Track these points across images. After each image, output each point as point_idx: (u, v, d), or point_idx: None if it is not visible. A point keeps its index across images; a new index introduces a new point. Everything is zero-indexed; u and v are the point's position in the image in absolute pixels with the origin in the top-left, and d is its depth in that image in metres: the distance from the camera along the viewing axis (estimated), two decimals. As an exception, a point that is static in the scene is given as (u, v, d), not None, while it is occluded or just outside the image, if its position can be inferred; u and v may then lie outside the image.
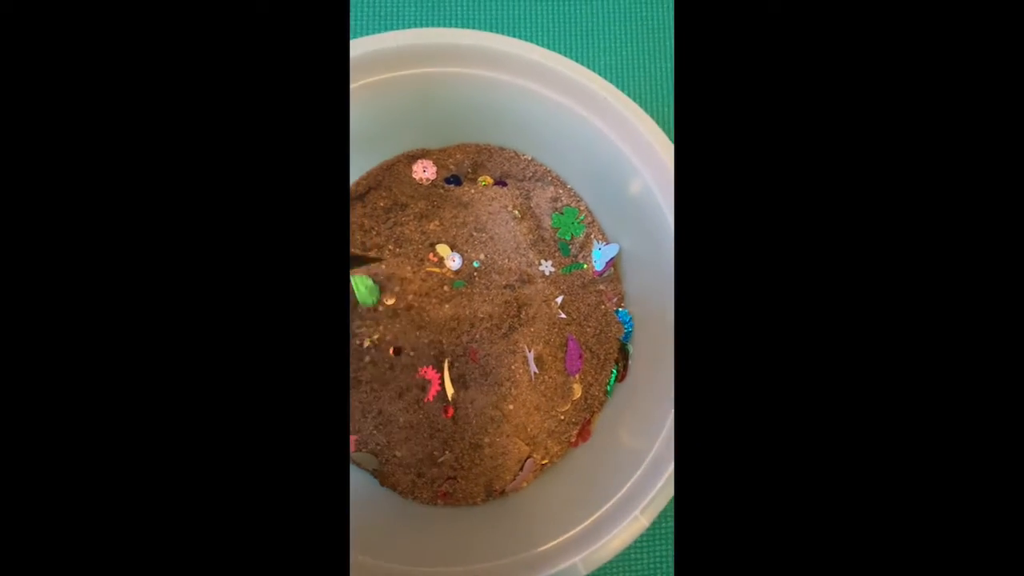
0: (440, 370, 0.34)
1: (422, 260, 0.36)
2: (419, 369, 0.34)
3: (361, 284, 0.34)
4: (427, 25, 0.43)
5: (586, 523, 0.28)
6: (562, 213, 0.38)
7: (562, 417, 0.36)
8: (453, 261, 0.36)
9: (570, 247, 0.38)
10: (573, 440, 0.36)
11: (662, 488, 0.27)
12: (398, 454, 0.34)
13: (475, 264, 0.36)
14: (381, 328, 0.35)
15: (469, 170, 0.38)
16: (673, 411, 0.29)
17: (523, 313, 0.35)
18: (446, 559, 0.28)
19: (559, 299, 0.36)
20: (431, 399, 0.34)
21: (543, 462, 0.35)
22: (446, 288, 0.36)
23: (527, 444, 0.35)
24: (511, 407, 0.35)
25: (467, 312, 0.35)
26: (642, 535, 0.34)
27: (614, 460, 0.32)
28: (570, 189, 0.38)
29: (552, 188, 0.38)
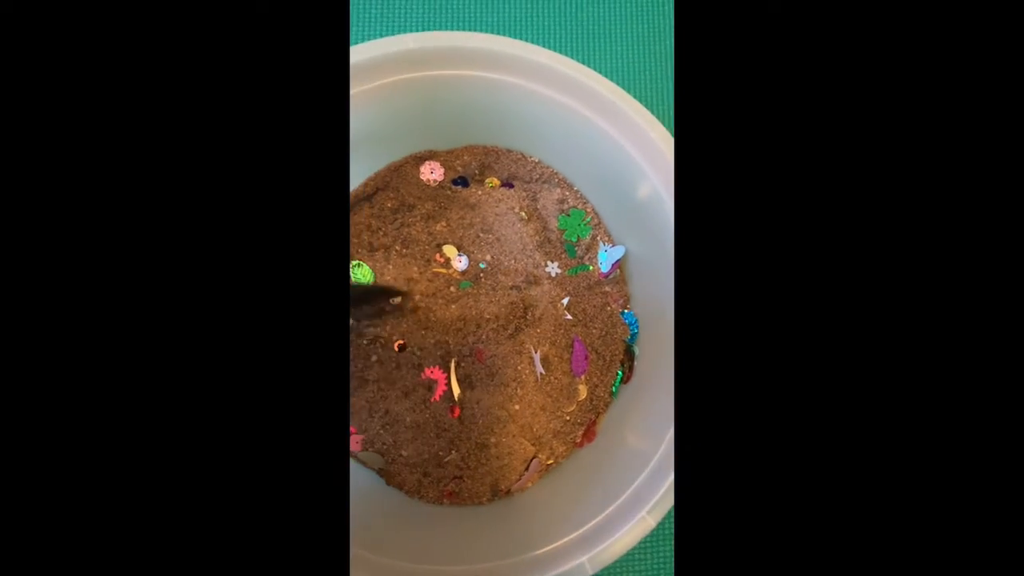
0: (447, 370, 0.35)
1: (429, 261, 0.36)
2: (425, 369, 0.34)
3: (359, 271, 0.35)
4: (434, 28, 0.43)
5: (592, 523, 0.28)
6: (568, 215, 0.38)
7: (567, 418, 0.36)
8: (460, 262, 0.36)
9: (576, 249, 0.38)
10: (578, 441, 0.36)
11: (669, 489, 0.28)
12: (404, 453, 0.34)
13: (481, 265, 0.37)
14: (388, 328, 0.35)
15: (476, 172, 0.38)
16: (678, 412, 0.29)
17: (529, 314, 0.36)
18: (452, 558, 0.28)
19: (565, 300, 0.36)
20: (437, 399, 0.34)
21: (548, 462, 0.36)
22: (453, 289, 0.36)
23: (533, 444, 0.35)
24: (517, 407, 0.35)
25: (473, 313, 0.35)
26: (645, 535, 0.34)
27: (619, 461, 0.32)
28: (576, 191, 0.38)
29: (559, 190, 0.38)
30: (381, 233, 0.37)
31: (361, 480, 0.34)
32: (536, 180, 0.39)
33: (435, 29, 0.43)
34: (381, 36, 0.31)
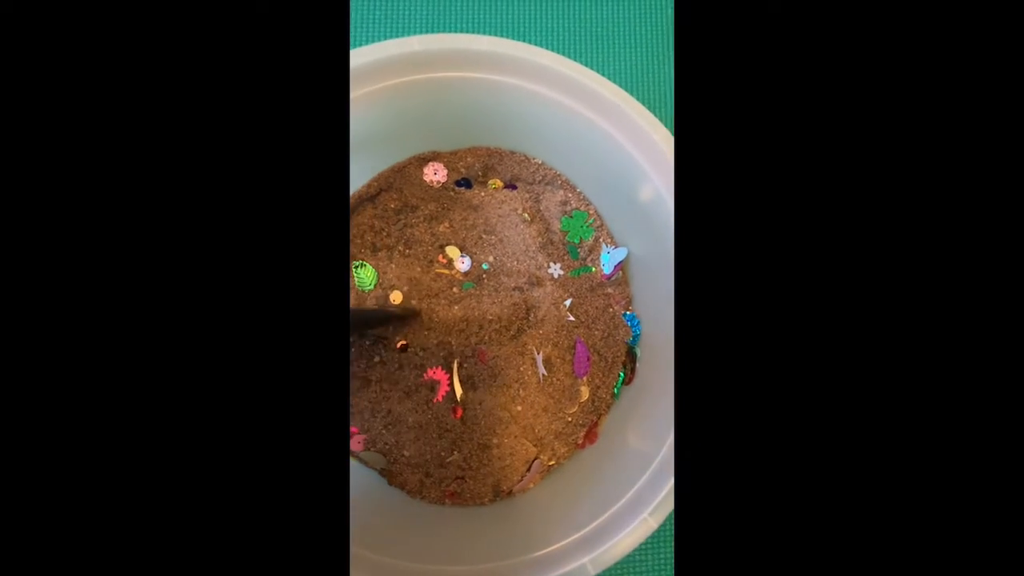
0: (449, 371, 0.35)
1: (431, 262, 0.37)
2: (428, 370, 0.34)
3: (362, 271, 0.35)
4: (438, 31, 0.43)
5: (594, 524, 0.28)
6: (571, 216, 0.38)
7: (569, 419, 0.36)
8: (462, 263, 0.36)
9: (579, 250, 0.38)
10: (580, 442, 0.36)
11: (671, 490, 0.28)
12: (406, 454, 0.34)
13: (484, 266, 0.37)
14: (390, 329, 0.35)
15: (479, 173, 0.39)
16: (680, 413, 0.29)
17: (532, 315, 0.36)
18: (453, 558, 0.28)
19: (567, 302, 0.36)
20: (440, 399, 0.34)
21: (550, 463, 0.36)
22: (455, 290, 0.36)
23: (534, 445, 0.35)
24: (519, 408, 0.35)
25: (476, 314, 0.35)
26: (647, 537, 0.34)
27: (621, 462, 0.32)
28: (579, 193, 0.39)
29: (561, 192, 0.38)
30: (384, 234, 0.37)
31: (363, 480, 0.34)
32: (539, 182, 0.39)
33: (439, 32, 0.43)
34: (385, 39, 0.32)
